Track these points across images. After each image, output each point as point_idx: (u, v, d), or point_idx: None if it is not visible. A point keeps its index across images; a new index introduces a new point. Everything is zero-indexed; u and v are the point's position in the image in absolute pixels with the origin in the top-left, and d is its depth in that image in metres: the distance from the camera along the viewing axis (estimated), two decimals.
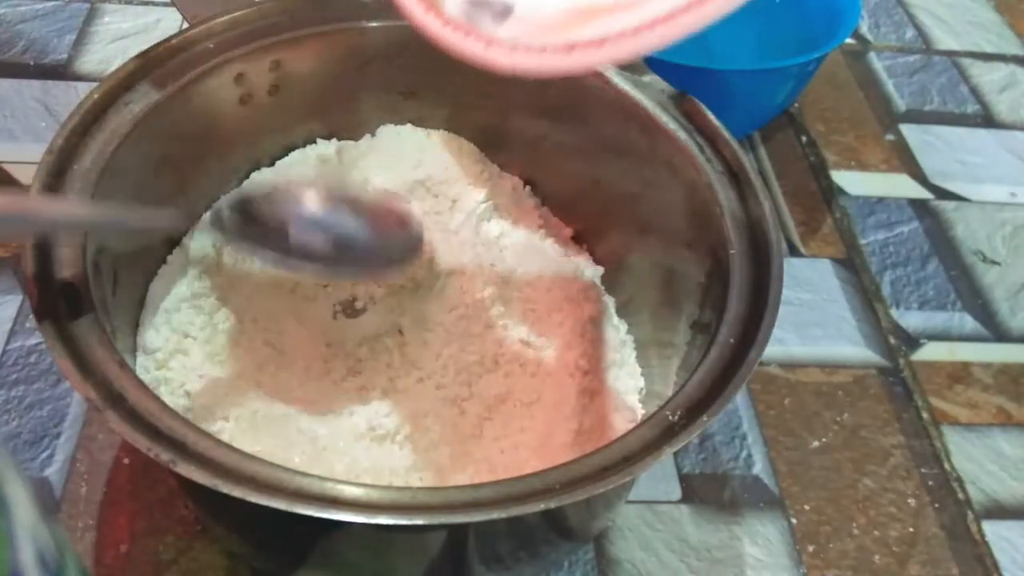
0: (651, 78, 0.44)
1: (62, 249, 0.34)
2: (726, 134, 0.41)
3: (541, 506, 0.28)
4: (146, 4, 0.68)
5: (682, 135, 0.41)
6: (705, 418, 0.31)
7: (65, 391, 0.45)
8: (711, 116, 0.41)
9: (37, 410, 0.44)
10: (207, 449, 0.29)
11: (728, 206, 0.39)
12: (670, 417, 0.31)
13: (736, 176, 0.40)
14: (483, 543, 0.36)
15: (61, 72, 0.62)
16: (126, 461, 0.43)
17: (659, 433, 0.31)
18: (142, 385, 0.31)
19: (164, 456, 0.28)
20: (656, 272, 0.45)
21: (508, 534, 0.35)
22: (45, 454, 0.43)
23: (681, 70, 0.51)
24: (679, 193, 0.42)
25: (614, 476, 0.29)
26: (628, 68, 0.44)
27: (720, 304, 0.36)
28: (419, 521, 0.28)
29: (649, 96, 0.43)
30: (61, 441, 0.43)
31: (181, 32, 0.42)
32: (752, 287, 0.36)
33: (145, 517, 0.41)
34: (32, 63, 0.62)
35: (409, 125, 0.50)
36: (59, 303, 0.32)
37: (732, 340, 0.34)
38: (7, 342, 0.47)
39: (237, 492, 0.27)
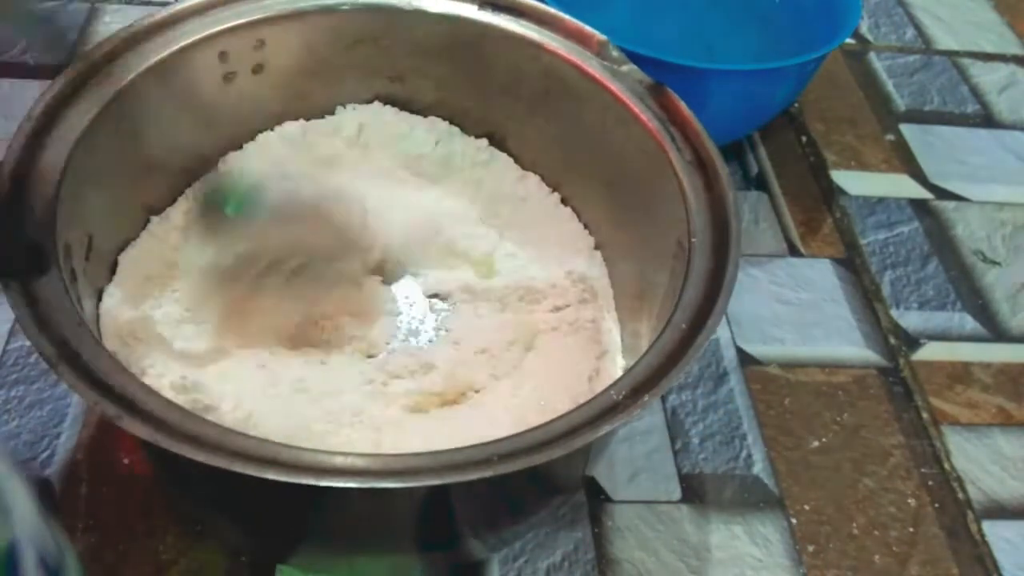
0: (629, 68, 0.44)
1: (34, 211, 0.34)
2: (697, 124, 0.41)
3: (475, 476, 0.29)
4: (146, 4, 0.68)
5: (656, 124, 0.42)
6: (647, 398, 0.32)
7: (65, 391, 0.45)
8: (684, 106, 0.42)
9: (37, 410, 0.44)
10: (156, 408, 0.29)
11: (694, 194, 0.39)
12: (614, 396, 0.32)
13: (704, 165, 0.40)
14: (431, 511, 0.36)
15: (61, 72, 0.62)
16: (126, 461, 0.43)
17: (601, 411, 0.32)
18: (98, 344, 0.31)
19: (110, 411, 0.29)
20: (629, 262, 0.46)
21: (453, 504, 0.36)
22: (45, 454, 0.43)
23: (682, 70, 0.51)
24: (649, 182, 0.43)
25: (551, 449, 0.30)
26: (608, 58, 0.44)
27: (678, 290, 0.36)
28: (341, 484, 0.28)
29: (626, 86, 0.43)
30: (61, 441, 0.43)
31: (168, 7, 0.42)
32: (710, 273, 0.37)
33: (145, 517, 0.41)
34: (32, 63, 0.62)
35: (389, 107, 0.50)
36: (25, 262, 0.33)
37: (684, 325, 0.35)
38: (7, 342, 0.47)
39: (176, 448, 0.28)
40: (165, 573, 0.40)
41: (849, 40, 0.73)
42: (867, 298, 0.56)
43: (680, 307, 0.35)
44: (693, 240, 0.38)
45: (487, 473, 0.29)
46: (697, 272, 0.37)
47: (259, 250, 0.44)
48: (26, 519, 0.21)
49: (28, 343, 0.47)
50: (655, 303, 0.41)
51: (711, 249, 0.37)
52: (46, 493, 0.41)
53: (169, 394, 0.37)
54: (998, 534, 0.46)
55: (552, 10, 0.46)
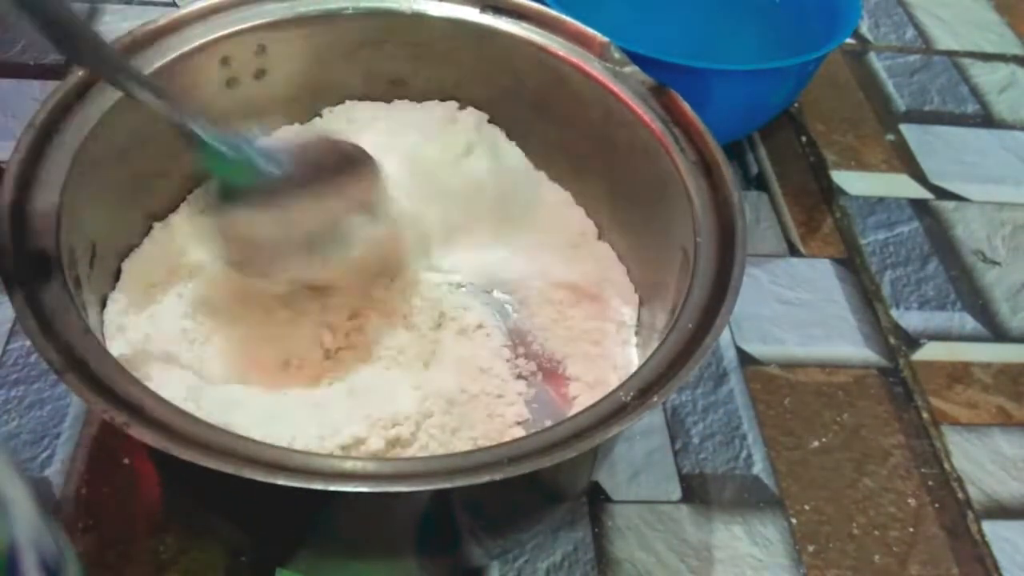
0: (631, 69, 0.44)
1: (37, 218, 0.34)
2: (700, 125, 0.41)
3: (485, 478, 0.29)
4: (145, 4, 0.68)
5: (658, 126, 0.42)
6: (656, 398, 0.32)
7: (65, 391, 0.45)
8: (687, 107, 0.42)
9: (37, 410, 0.44)
10: (164, 415, 0.29)
11: (698, 195, 0.39)
12: (623, 397, 0.32)
13: (708, 166, 0.40)
14: (436, 516, 0.36)
15: (61, 72, 0.62)
16: (126, 461, 0.43)
17: (610, 412, 0.32)
18: (104, 350, 0.31)
19: (119, 419, 0.29)
20: (633, 263, 0.46)
21: (458, 509, 0.36)
22: (45, 454, 0.43)
23: (682, 70, 0.51)
24: (653, 183, 0.43)
25: (562, 451, 0.30)
26: (610, 60, 0.44)
27: (685, 291, 0.36)
28: (352, 488, 0.28)
29: (628, 87, 0.43)
30: (61, 441, 0.43)
31: (169, 13, 0.42)
32: (716, 274, 0.36)
33: (145, 517, 0.41)
34: (32, 63, 0.62)
35: (395, 100, 0.50)
36: (29, 269, 0.33)
37: (691, 325, 0.35)
38: (7, 342, 0.47)
39: (186, 455, 0.28)
40: (165, 573, 0.40)
41: (849, 40, 0.73)
42: (867, 298, 0.56)
43: (687, 308, 0.35)
44: (699, 240, 0.38)
45: (497, 475, 0.29)
46: (703, 273, 0.36)
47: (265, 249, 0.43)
48: (26, 519, 0.21)
49: (28, 343, 0.47)
50: (660, 304, 0.40)
51: (717, 250, 0.37)
52: (46, 493, 0.41)
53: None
54: (998, 534, 0.46)
55: (553, 12, 0.46)
